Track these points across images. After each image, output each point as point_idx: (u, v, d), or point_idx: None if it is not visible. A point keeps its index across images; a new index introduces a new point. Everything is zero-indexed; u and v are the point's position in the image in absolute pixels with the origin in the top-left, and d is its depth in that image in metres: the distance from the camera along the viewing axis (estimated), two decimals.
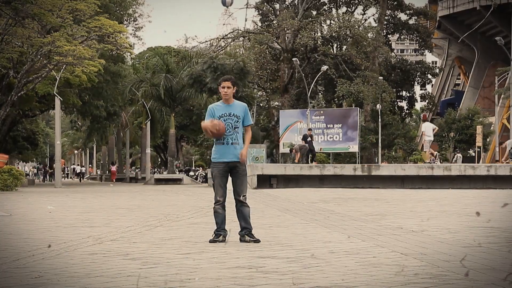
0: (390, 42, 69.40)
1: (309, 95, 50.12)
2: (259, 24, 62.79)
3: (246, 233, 8.63)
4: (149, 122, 53.19)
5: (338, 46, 60.10)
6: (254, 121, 70.83)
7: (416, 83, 65.44)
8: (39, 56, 34.80)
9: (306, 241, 8.59)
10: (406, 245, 7.99)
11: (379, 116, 56.25)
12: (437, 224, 10.97)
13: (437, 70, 70.94)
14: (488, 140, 60.51)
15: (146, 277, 5.78)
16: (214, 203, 8.66)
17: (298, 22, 55.18)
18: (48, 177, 72.21)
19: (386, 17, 61.98)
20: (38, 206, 17.23)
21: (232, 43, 62.49)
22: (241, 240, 8.60)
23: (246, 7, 62.71)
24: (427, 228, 10.18)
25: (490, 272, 5.95)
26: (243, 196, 8.61)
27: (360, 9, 61.77)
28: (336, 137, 47.77)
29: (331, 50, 59.40)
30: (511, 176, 26.67)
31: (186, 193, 25.73)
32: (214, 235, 8.66)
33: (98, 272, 6.09)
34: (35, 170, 75.11)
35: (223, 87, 8.70)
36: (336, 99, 58.12)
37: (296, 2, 60.82)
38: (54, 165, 44.69)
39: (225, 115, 8.60)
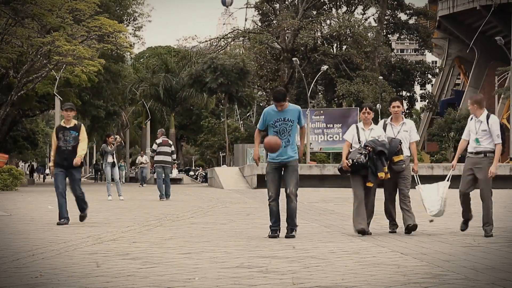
0: (390, 42, 69.39)
1: (309, 95, 50.08)
2: (259, 23, 62.77)
3: (288, 229, 9.14)
4: (149, 122, 53.20)
5: (338, 45, 60.09)
6: (254, 120, 70.91)
7: (416, 83, 65.43)
8: (39, 56, 34.78)
9: (306, 241, 8.59)
10: (406, 245, 7.99)
11: (379, 116, 56.23)
12: (437, 224, 10.96)
13: (437, 70, 70.92)
14: None
15: (146, 277, 5.78)
16: (268, 199, 9.20)
17: (298, 22, 55.16)
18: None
19: (386, 17, 61.97)
20: (38, 206, 17.23)
21: (232, 43, 62.48)
22: (285, 236, 9.10)
23: (246, 7, 62.74)
24: (427, 228, 10.18)
25: (490, 272, 5.95)
26: (290, 190, 9.07)
27: (360, 8, 61.77)
28: (336, 137, 47.72)
29: (331, 49, 59.39)
30: (511, 176, 26.68)
31: (186, 193, 25.73)
32: (270, 231, 9.21)
33: (98, 271, 6.09)
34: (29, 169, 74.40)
35: (277, 105, 9.17)
36: (336, 99, 58.11)
37: (296, 1, 60.80)
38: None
39: (280, 120, 9.12)
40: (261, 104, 67.43)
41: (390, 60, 62.49)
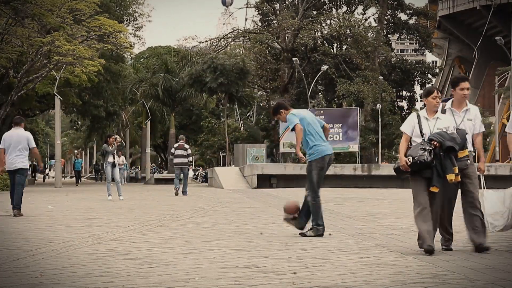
0: (390, 42, 69.43)
1: (309, 94, 50.11)
2: (259, 23, 62.79)
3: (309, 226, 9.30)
4: (149, 122, 53.19)
5: (338, 45, 60.12)
6: (254, 120, 70.90)
7: (416, 82, 65.48)
8: (39, 56, 34.79)
9: (306, 241, 8.60)
10: (406, 245, 7.99)
11: (379, 116, 56.25)
12: None
13: (437, 70, 70.95)
14: (488, 140, 60.47)
15: (146, 277, 5.78)
16: None
17: (298, 22, 55.18)
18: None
19: (386, 17, 62.01)
20: (38, 205, 17.23)
21: (232, 43, 62.49)
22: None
23: (246, 7, 62.78)
24: None
25: (490, 272, 5.95)
26: (307, 192, 9.37)
27: (360, 8, 61.83)
28: (336, 137, 47.72)
29: (331, 49, 59.42)
30: (511, 176, 26.68)
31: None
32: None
33: (98, 271, 6.09)
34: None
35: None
36: (336, 99, 58.12)
37: (296, 1, 60.83)
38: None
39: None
40: (261, 104, 67.41)
41: (390, 60, 62.54)
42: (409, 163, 7.22)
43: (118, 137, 21.31)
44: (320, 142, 9.35)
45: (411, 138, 7.42)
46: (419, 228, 7.22)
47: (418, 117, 7.46)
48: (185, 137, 24.83)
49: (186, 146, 23.24)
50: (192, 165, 24.17)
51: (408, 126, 7.48)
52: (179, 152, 22.75)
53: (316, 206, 9.20)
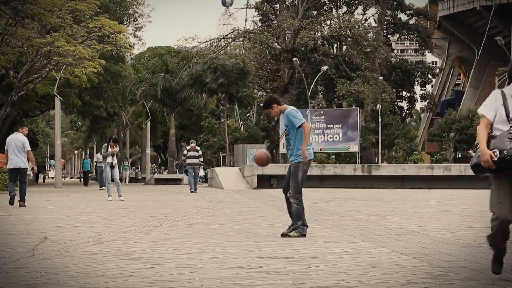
0: (390, 42, 69.47)
1: (309, 95, 50.12)
2: (259, 24, 62.82)
3: (290, 229, 9.25)
4: (149, 122, 53.20)
5: (338, 46, 60.15)
6: (254, 121, 70.90)
7: (416, 83, 65.52)
8: (39, 56, 34.80)
9: (306, 241, 8.60)
10: (406, 245, 7.99)
11: (379, 116, 56.26)
12: (437, 224, 10.97)
13: (437, 70, 71.00)
14: None
15: (146, 277, 5.79)
16: None
17: (298, 22, 55.21)
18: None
19: (386, 17, 62.04)
20: (38, 206, 17.23)
21: (232, 43, 62.53)
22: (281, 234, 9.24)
23: (246, 7, 62.84)
24: (427, 228, 10.18)
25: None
26: (289, 193, 9.27)
27: (360, 9, 61.88)
28: (336, 137, 47.75)
29: (331, 50, 59.44)
30: None
31: (186, 193, 25.72)
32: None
33: (98, 272, 6.09)
34: None
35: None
36: (336, 99, 58.15)
37: (296, 2, 60.86)
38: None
39: (284, 124, 9.51)
40: (261, 105, 67.36)
41: (390, 61, 62.57)
42: (496, 158, 5.30)
43: (117, 146, 21.23)
44: (309, 145, 9.35)
45: (492, 123, 5.47)
46: (493, 245, 5.56)
47: (504, 96, 5.47)
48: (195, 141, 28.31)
49: (198, 148, 26.77)
50: (201, 165, 28.22)
51: (490, 108, 5.49)
52: (191, 153, 26.15)
53: (300, 208, 9.17)
